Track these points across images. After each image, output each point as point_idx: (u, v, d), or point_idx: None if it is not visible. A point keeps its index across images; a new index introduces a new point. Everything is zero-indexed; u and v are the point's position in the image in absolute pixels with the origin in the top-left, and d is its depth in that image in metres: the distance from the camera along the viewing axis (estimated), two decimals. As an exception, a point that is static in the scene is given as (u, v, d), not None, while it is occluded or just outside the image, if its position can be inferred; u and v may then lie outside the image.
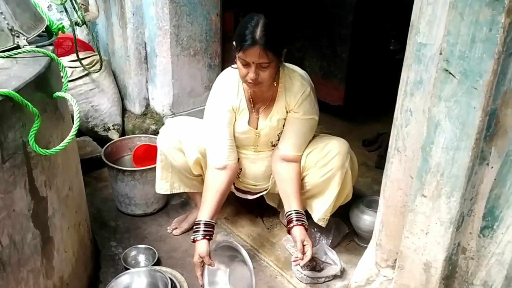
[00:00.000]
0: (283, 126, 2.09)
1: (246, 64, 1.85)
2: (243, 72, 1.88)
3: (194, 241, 1.99)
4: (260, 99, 2.08)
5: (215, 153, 2.08)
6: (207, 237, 1.98)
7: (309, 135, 2.10)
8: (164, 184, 2.29)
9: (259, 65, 1.84)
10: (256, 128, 2.11)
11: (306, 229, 1.99)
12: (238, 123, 2.10)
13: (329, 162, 2.02)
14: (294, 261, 1.96)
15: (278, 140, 2.13)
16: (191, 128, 2.20)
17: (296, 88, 2.02)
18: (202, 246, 1.95)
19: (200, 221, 2.00)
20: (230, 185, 2.14)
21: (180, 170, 2.21)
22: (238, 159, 2.20)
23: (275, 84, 2.02)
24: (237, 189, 2.33)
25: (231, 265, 2.08)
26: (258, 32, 1.79)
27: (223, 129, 2.06)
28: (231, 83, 2.05)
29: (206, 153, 2.12)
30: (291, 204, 2.02)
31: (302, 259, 1.92)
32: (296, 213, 2.00)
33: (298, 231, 1.96)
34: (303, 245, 1.94)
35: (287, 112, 2.06)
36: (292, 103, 2.03)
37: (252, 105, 2.08)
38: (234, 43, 1.88)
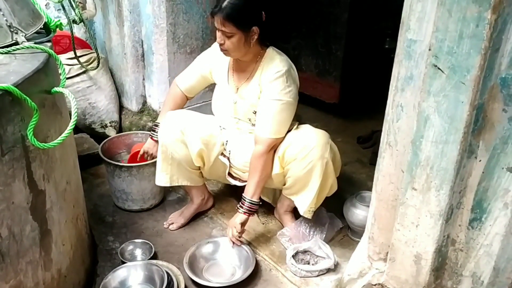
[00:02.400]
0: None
1: (217, 29, 2.00)
2: (216, 35, 2.03)
3: (151, 137, 2.41)
4: (240, 73, 2.19)
5: (183, 75, 2.39)
6: (154, 137, 2.36)
7: (279, 117, 2.07)
8: (164, 176, 2.31)
9: (224, 32, 1.98)
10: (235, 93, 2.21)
11: (248, 215, 2.14)
12: (219, 85, 2.29)
13: (308, 154, 2.03)
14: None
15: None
16: (193, 120, 2.24)
17: (272, 66, 2.08)
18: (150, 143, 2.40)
19: (158, 123, 2.36)
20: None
21: (180, 162, 2.24)
22: (227, 141, 2.25)
23: (256, 62, 2.13)
24: (229, 175, 2.33)
25: (209, 262, 2.19)
26: (225, 2, 1.93)
27: (196, 73, 2.35)
28: None
29: (208, 143, 2.22)
30: (247, 191, 2.13)
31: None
32: (249, 202, 2.12)
33: (236, 216, 2.16)
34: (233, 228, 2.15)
35: (261, 91, 2.12)
36: (265, 80, 2.08)
37: (232, 74, 2.21)
38: None
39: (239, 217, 2.14)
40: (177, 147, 2.20)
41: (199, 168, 2.30)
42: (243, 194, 2.14)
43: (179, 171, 2.29)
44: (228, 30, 1.96)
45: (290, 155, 2.08)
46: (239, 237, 2.17)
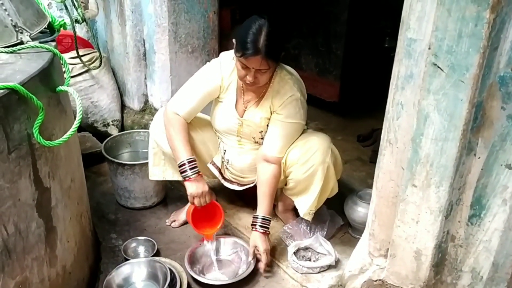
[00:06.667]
0: (267, 126, 2.13)
1: (246, 68, 1.93)
2: (242, 74, 1.96)
3: (185, 180, 2.07)
4: (250, 93, 2.13)
5: (178, 100, 2.14)
6: (197, 172, 2.08)
7: (291, 138, 2.11)
8: (156, 171, 2.34)
9: (259, 70, 1.92)
10: (241, 117, 2.16)
11: (266, 234, 2.12)
12: (224, 104, 2.16)
13: (310, 158, 2.04)
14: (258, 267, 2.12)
15: (262, 138, 2.17)
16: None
17: (284, 90, 2.06)
18: (203, 184, 2.08)
19: (182, 161, 2.06)
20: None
21: (171, 156, 2.23)
22: (225, 151, 2.26)
23: (267, 83, 2.08)
24: (225, 179, 2.36)
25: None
26: (261, 41, 1.86)
27: (199, 92, 2.12)
28: (229, 63, 2.11)
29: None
30: (260, 208, 2.12)
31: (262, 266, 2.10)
32: (262, 218, 2.11)
33: (254, 236, 2.11)
34: (254, 252, 2.11)
35: (271, 112, 2.11)
36: (276, 104, 2.07)
37: (242, 94, 2.14)
38: (234, 43, 1.94)
39: (254, 236, 2.11)
40: (165, 140, 2.20)
41: None
42: (257, 215, 2.12)
43: (172, 165, 2.30)
44: (267, 67, 1.92)
45: (292, 159, 2.10)
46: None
